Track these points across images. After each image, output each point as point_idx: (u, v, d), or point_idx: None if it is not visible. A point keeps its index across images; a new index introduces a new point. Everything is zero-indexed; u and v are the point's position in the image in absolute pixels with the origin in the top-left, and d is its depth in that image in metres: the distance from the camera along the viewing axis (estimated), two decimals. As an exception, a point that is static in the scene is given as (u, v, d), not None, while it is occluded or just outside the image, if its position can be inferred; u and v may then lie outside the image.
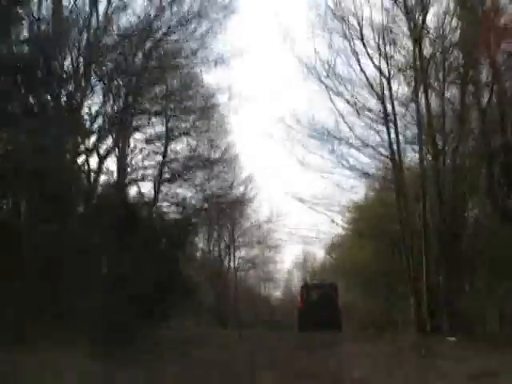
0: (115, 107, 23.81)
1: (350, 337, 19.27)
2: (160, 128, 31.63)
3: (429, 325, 19.32)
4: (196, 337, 17.72)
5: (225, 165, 34.20)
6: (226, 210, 35.66)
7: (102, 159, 20.91)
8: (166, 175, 32.26)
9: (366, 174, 22.89)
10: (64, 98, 20.88)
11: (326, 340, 17.27)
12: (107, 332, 17.54)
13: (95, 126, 22.20)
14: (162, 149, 31.92)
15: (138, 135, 30.17)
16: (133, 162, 30.28)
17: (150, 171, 31.45)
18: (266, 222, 40.99)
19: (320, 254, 51.26)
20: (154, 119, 29.17)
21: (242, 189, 37.12)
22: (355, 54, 21.79)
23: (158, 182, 31.91)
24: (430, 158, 20.58)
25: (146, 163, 31.23)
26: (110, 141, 22.79)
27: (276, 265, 48.67)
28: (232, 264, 43.81)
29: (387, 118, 21.07)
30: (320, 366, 10.74)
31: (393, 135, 21.14)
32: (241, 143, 62.66)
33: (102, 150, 21.60)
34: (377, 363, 10.90)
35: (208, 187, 33.17)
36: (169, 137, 32.16)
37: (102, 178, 22.88)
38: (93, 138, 21.69)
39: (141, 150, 30.48)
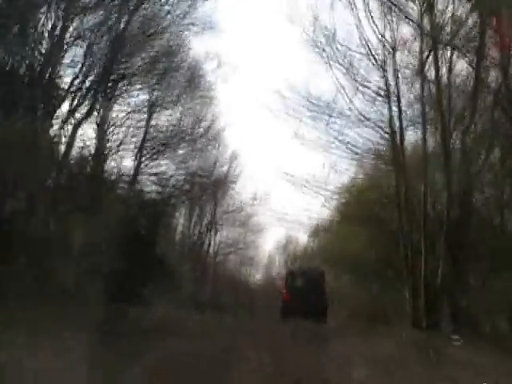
0: (94, 72, 22.01)
1: (339, 329, 17.76)
2: (143, 100, 30.22)
3: (425, 320, 17.76)
4: (171, 322, 16.05)
5: (209, 141, 32.41)
6: (208, 189, 33.94)
7: (76, 127, 18.97)
8: (148, 150, 30.85)
9: (362, 154, 21.02)
10: (38, 59, 19.07)
11: (313, 332, 15.74)
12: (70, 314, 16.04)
13: (72, 90, 20.39)
14: (145, 122, 30.33)
15: (119, 107, 28.79)
16: (113, 135, 28.92)
17: (131, 145, 29.93)
18: (249, 204, 39.29)
19: (303, 238, 49.83)
20: (136, 87, 27.55)
21: (225, 168, 35.36)
22: (358, 20, 19.83)
23: (139, 157, 30.28)
24: (436, 139, 18.94)
25: (127, 137, 29.78)
26: (88, 108, 20.75)
27: (257, 248, 47.06)
28: (212, 246, 42.15)
29: (389, 93, 19.32)
30: (311, 373, 9.09)
31: (395, 111, 19.36)
32: (228, 118, 60.43)
33: (79, 116, 19.56)
34: (380, 371, 9.30)
35: (191, 165, 31.46)
36: (152, 110, 30.51)
37: (78, 149, 21.04)
38: (69, 104, 19.93)
39: (121, 123, 29.08)
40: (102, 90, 22.27)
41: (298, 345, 12.77)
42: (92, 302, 18.45)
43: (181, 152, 31.34)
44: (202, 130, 31.44)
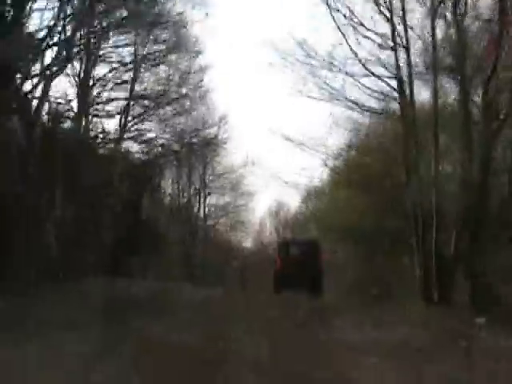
0: (74, 23, 19.91)
1: (338, 305, 16.08)
2: (128, 56, 28.22)
3: (436, 293, 16.10)
4: (155, 298, 14.36)
5: (198, 99, 30.33)
6: (197, 151, 32.03)
7: (49, 80, 16.91)
8: (134, 109, 28.90)
9: (366, 109, 18.89)
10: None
11: (310, 309, 14.09)
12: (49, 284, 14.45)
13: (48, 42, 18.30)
14: (130, 80, 28.33)
15: (103, 66, 26.85)
16: (97, 93, 26.95)
17: (116, 104, 27.99)
18: (240, 166, 37.37)
19: (295, 204, 48.24)
20: (120, 43, 25.57)
21: (215, 128, 33.33)
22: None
23: (125, 116, 28.33)
24: (448, 97, 17.11)
25: (112, 94, 27.81)
26: (63, 60, 18.64)
27: (248, 213, 45.22)
28: (202, 210, 40.40)
29: (395, 40, 17.18)
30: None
31: (402, 63, 17.27)
32: (218, 75, 58.05)
33: (54, 70, 17.49)
34: (401, 365, 7.57)
35: (178, 126, 29.52)
36: (138, 68, 28.49)
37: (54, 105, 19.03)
38: (46, 58, 17.90)
39: (106, 82, 27.09)
40: (82, 41, 20.18)
41: (293, 328, 11.02)
42: (71, 275, 16.80)
43: (168, 112, 29.47)
44: (189, 87, 29.24)
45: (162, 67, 29.29)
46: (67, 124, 21.90)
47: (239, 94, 63.89)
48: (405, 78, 17.24)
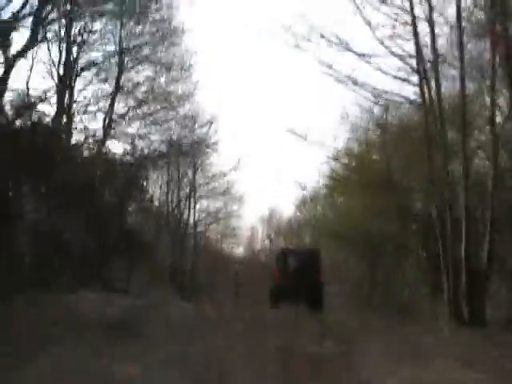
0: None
1: (353, 325, 13.63)
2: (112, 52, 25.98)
3: (467, 312, 13.65)
4: (131, 318, 11.90)
5: (186, 98, 27.96)
6: (186, 153, 29.50)
7: (10, 63, 14.48)
8: (119, 109, 26.49)
9: (378, 96, 16.14)
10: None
11: (324, 331, 11.69)
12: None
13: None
14: (115, 78, 26.02)
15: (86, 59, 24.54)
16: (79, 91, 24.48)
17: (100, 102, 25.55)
18: (231, 170, 34.83)
19: (288, 210, 46.02)
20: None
21: (205, 129, 30.89)
22: None
23: (110, 116, 25.93)
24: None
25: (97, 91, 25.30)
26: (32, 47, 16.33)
27: (239, 219, 42.62)
28: (192, 217, 37.88)
29: (414, 14, 14.66)
30: None
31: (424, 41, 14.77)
32: (207, 71, 55.20)
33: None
34: None
35: (166, 125, 27.12)
36: (122, 63, 26.15)
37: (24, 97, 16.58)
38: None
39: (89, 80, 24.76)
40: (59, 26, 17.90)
41: (308, 366, 8.55)
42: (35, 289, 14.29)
43: (155, 111, 27.09)
44: (177, 84, 26.94)
45: (149, 64, 27.03)
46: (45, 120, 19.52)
47: (230, 91, 61.18)
48: (427, 58, 14.79)
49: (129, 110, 26.59)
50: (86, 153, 22.43)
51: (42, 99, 16.29)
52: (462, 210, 14.04)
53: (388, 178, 19.41)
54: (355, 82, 15.37)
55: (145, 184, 23.78)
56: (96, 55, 24.86)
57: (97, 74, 25.47)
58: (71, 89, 24.37)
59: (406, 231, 21.35)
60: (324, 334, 11.82)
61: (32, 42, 15.65)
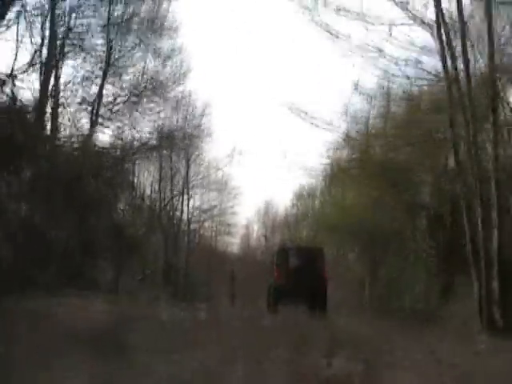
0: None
1: (370, 334, 11.87)
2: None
3: (501, 319, 11.93)
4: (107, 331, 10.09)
5: (176, 85, 26.23)
6: (178, 145, 27.77)
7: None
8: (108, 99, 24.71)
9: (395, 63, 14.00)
10: None
11: (340, 336, 9.95)
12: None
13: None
14: (103, 66, 24.31)
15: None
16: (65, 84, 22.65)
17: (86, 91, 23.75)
18: (226, 163, 33.07)
19: (284, 205, 44.34)
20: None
21: (197, 120, 29.17)
22: None
23: (97, 105, 24.17)
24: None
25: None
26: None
27: (234, 216, 40.81)
28: (185, 214, 36.11)
29: None
30: None
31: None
32: (199, 60, 52.78)
33: None
34: None
35: (157, 115, 25.30)
36: (111, 50, 24.43)
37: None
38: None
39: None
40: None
41: None
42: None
43: (146, 96, 25.28)
44: (168, 72, 25.20)
45: (139, 51, 25.29)
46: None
47: (224, 78, 58.61)
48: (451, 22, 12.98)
49: (116, 99, 24.80)
50: (70, 144, 20.82)
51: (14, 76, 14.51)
52: (493, 202, 12.28)
53: (394, 167, 17.72)
54: (374, 50, 13.38)
55: (134, 177, 21.95)
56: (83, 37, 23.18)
57: (84, 60, 23.88)
58: (57, 77, 22.70)
59: (412, 225, 19.76)
60: (334, 346, 10.12)
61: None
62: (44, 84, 21.77)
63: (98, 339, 8.72)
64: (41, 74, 21.42)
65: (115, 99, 24.39)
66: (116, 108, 24.81)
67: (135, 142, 23.61)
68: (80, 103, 23.54)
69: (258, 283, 32.87)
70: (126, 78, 25.06)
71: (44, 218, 15.45)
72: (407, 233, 19.78)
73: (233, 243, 44.66)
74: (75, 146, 20.09)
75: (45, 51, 21.34)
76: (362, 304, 22.82)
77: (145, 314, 12.63)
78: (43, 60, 21.35)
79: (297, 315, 15.24)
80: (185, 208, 35.68)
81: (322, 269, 18.26)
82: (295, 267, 18.19)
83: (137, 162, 22.56)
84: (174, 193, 33.41)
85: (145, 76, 25.18)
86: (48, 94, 22.11)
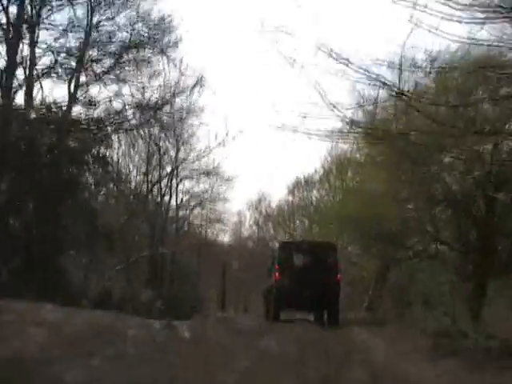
0: None
1: (405, 368, 8.47)
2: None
3: None
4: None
5: (166, 52, 22.53)
6: (167, 124, 24.07)
7: None
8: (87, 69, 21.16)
9: None
10: None
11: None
12: None
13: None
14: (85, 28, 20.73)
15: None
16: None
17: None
18: (219, 145, 29.46)
19: (278, 194, 40.99)
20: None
21: (189, 93, 25.44)
22: None
23: (76, 78, 20.73)
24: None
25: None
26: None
27: (225, 203, 37.09)
28: (174, 200, 32.54)
29: None
30: None
31: None
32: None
33: None
34: None
35: (141, 87, 21.63)
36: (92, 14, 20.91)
37: None
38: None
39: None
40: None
41: None
42: None
43: (130, 70, 21.66)
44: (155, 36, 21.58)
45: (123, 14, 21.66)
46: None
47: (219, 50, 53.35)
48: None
49: (96, 75, 21.14)
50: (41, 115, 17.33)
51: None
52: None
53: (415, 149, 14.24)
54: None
55: (118, 157, 18.34)
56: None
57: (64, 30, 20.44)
58: (33, 43, 19.65)
59: (433, 218, 16.37)
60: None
61: None
62: (13, 48, 18.72)
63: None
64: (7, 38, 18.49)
65: (96, 76, 20.87)
66: (97, 78, 21.38)
67: (116, 117, 20.08)
68: (57, 72, 20.49)
69: (250, 275, 29.77)
70: (109, 47, 21.63)
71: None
72: (427, 227, 16.37)
73: (224, 231, 41.07)
74: (42, 116, 16.56)
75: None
76: (370, 308, 19.55)
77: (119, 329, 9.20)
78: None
79: (307, 330, 11.90)
80: (173, 194, 32.19)
81: (334, 269, 14.66)
82: (301, 266, 14.58)
83: (120, 140, 19.00)
84: (162, 176, 29.69)
85: (130, 44, 21.59)
86: (18, 60, 19.09)
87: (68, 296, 15.22)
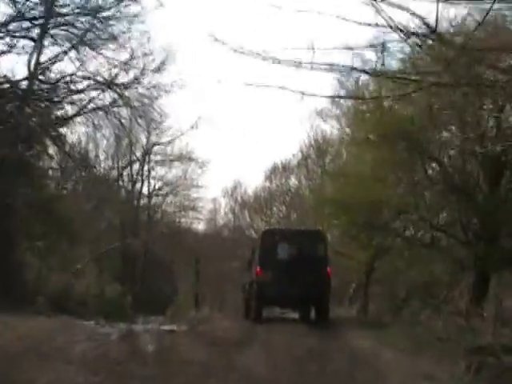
0: None
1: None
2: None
3: None
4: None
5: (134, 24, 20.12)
6: (136, 102, 21.69)
7: None
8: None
9: None
10: None
11: None
12: None
13: None
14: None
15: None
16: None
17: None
18: (191, 128, 27.30)
19: (256, 180, 39.01)
20: None
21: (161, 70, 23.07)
22: None
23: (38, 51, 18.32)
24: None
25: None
26: None
27: (199, 190, 34.99)
28: (146, 187, 30.38)
29: None
30: None
31: None
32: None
33: None
34: None
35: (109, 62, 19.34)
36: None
37: None
38: None
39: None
40: None
41: None
42: None
43: (96, 44, 19.28)
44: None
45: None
46: None
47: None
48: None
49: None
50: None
51: None
52: None
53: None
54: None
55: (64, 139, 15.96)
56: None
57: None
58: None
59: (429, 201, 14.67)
60: None
61: None
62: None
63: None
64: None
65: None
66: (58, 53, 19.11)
67: (80, 95, 17.81)
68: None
69: (226, 266, 27.80)
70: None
71: None
72: (422, 211, 14.61)
73: (198, 219, 38.94)
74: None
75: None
76: (353, 302, 17.82)
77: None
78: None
79: (301, 336, 9.94)
80: (145, 181, 30.05)
81: (323, 261, 12.74)
82: (286, 258, 12.62)
83: (86, 122, 16.67)
84: (133, 161, 27.47)
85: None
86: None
87: (22, 295, 13.21)
